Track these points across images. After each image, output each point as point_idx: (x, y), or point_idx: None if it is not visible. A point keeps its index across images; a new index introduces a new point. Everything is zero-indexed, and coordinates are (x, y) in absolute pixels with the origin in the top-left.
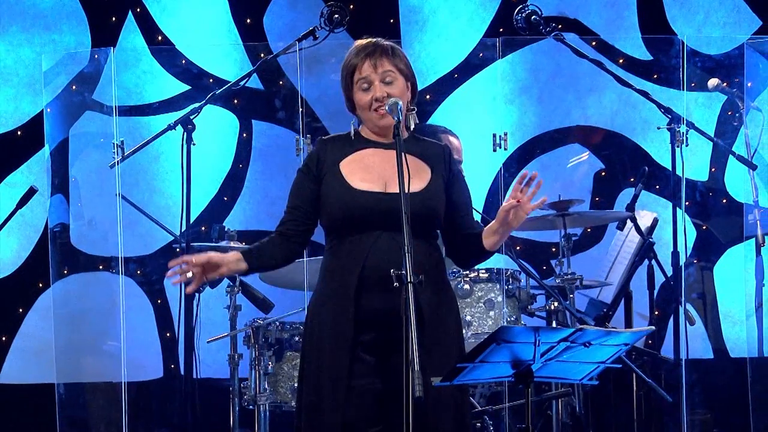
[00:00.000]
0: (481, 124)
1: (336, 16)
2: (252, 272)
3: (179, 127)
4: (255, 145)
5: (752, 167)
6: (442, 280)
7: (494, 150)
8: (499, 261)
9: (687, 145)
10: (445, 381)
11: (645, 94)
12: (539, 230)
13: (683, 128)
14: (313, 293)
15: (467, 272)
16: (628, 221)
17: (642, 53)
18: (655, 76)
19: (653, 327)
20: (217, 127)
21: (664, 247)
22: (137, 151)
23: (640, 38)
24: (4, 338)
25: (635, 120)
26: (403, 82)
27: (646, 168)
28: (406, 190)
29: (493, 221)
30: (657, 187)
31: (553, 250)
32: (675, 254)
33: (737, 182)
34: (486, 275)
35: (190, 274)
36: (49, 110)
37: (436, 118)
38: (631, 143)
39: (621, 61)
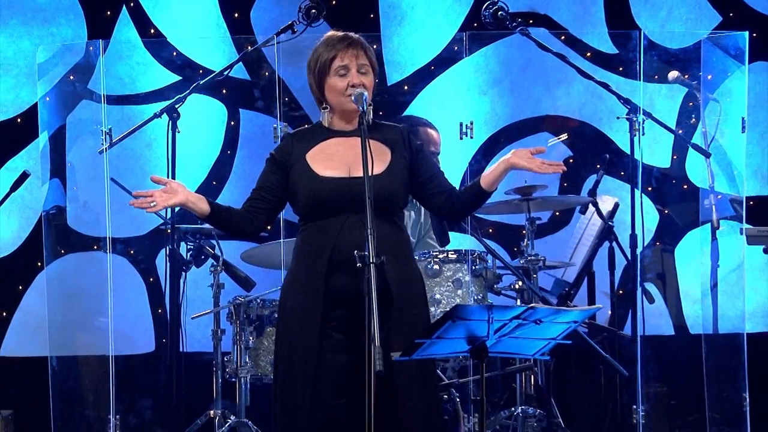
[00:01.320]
0: (456, 115)
1: (313, 11)
2: (211, 220)
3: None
4: (242, 132)
5: (707, 155)
6: (406, 257)
7: (461, 138)
8: (467, 243)
9: (644, 134)
10: (404, 356)
11: (605, 85)
12: (505, 214)
13: (640, 118)
14: (287, 275)
15: (437, 253)
16: (591, 205)
17: (608, 47)
18: (620, 69)
19: (601, 306)
20: (207, 115)
21: (628, 230)
22: (125, 138)
23: (607, 33)
24: (4, 314)
25: (601, 110)
26: (372, 77)
27: (608, 156)
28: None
29: (500, 161)
30: (622, 173)
31: (523, 232)
32: (633, 237)
33: (697, 169)
34: (455, 256)
35: (153, 204)
36: (47, 99)
37: (413, 108)
38: (598, 132)
39: (588, 54)
